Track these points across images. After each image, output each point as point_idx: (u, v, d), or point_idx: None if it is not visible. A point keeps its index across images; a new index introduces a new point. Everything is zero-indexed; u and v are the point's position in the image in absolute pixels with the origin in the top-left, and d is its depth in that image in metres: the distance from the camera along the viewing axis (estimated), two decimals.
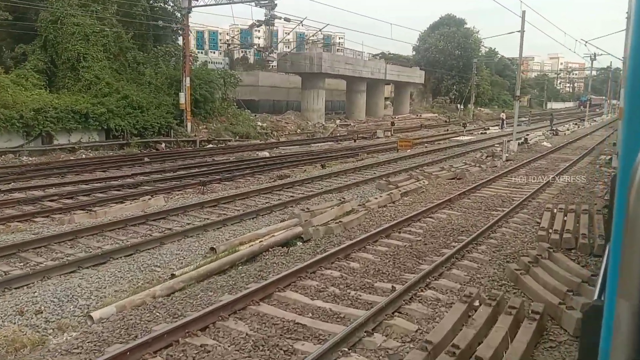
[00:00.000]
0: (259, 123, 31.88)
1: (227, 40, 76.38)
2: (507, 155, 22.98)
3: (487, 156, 23.21)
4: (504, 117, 42.45)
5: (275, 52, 32.90)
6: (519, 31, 25.13)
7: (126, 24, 28.29)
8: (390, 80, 49.72)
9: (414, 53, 77.29)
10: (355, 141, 30.82)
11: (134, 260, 8.39)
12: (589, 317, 1.84)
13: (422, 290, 6.90)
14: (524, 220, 11.35)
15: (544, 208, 11.87)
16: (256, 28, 34.58)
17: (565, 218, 10.98)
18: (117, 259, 8.46)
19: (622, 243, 0.82)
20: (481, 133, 37.66)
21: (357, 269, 7.87)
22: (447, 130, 42.42)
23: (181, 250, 8.95)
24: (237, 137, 28.64)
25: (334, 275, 7.53)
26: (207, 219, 11.16)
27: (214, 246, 8.89)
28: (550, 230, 10.05)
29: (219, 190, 15.07)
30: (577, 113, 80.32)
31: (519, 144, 27.45)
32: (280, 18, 25.56)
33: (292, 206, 12.42)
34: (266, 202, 12.89)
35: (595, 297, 1.99)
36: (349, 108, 46.27)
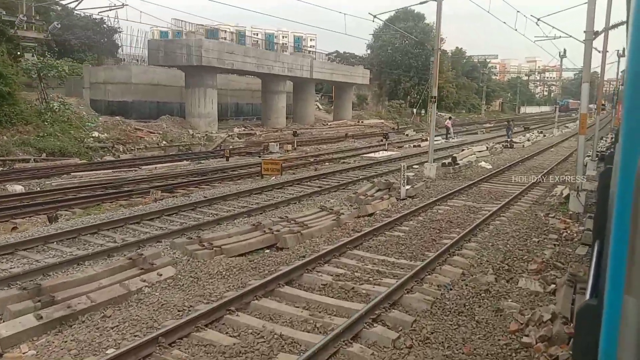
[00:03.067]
0: (96, 133, 23.06)
1: None
2: (408, 188, 14.62)
3: (377, 190, 14.80)
4: (450, 125, 34.29)
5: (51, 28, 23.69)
6: None
7: None
8: (320, 80, 41.29)
9: (369, 51, 69.18)
10: (227, 159, 22.22)
11: None
12: (583, 316, 1.71)
13: None
14: None
15: None
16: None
17: None
18: None
19: (630, 240, 0.78)
20: (414, 146, 29.33)
21: None
22: (382, 141, 34.09)
23: None
24: (45, 154, 19.77)
25: None
26: None
27: None
28: None
29: None
30: (552, 118, 72.39)
31: (444, 165, 19.16)
32: None
33: None
34: None
35: (588, 296, 1.81)
36: (264, 112, 37.66)
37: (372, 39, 67.60)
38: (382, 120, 49.54)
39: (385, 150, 26.05)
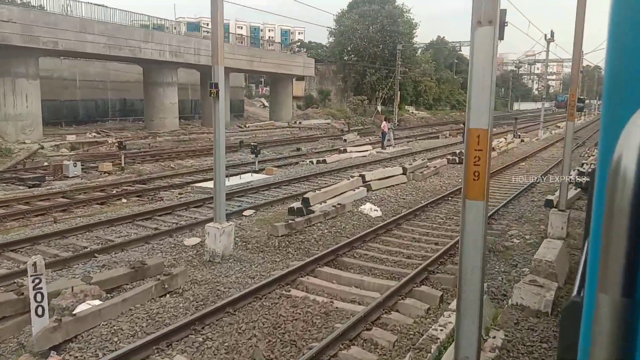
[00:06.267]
0: None
1: None
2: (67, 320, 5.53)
3: None
4: (386, 129, 25.12)
5: None
6: None
7: None
8: (232, 69, 32.06)
9: (331, 39, 59.89)
10: None
11: None
12: (567, 313, 1.77)
13: None
14: None
15: None
16: None
17: None
18: None
19: (602, 236, 0.82)
20: (310, 162, 20.04)
21: None
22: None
23: None
24: None
25: None
26: None
27: None
28: None
29: None
30: (549, 115, 61.96)
31: (291, 212, 10.08)
32: None
33: None
34: None
35: (575, 293, 1.81)
36: (147, 111, 28.46)
37: (334, 25, 58.24)
38: (329, 121, 40.34)
39: (257, 171, 16.88)
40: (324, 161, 19.64)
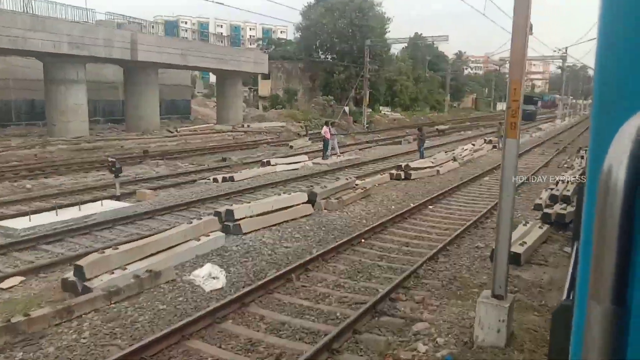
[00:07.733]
0: None
1: None
2: None
3: None
4: (328, 136, 20.80)
5: None
6: None
7: None
8: (159, 64, 27.58)
9: (298, 34, 55.55)
10: None
11: None
12: (558, 316, 1.80)
13: None
14: None
15: None
16: None
17: None
18: None
19: (593, 245, 0.83)
20: (214, 179, 15.61)
21: None
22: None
23: None
24: None
25: None
26: None
27: None
28: None
29: None
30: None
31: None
32: None
33: None
34: None
35: (564, 296, 1.89)
36: (48, 114, 23.90)
37: (301, 19, 53.83)
38: (283, 124, 36.00)
39: (118, 197, 12.50)
40: (232, 179, 15.32)
